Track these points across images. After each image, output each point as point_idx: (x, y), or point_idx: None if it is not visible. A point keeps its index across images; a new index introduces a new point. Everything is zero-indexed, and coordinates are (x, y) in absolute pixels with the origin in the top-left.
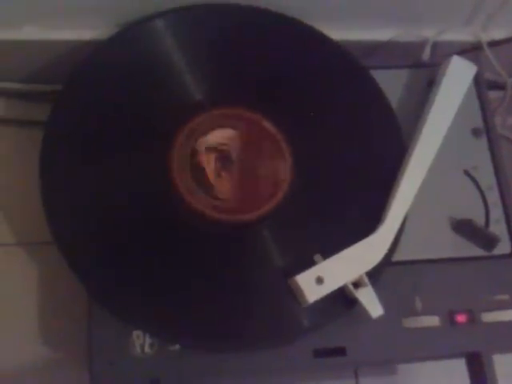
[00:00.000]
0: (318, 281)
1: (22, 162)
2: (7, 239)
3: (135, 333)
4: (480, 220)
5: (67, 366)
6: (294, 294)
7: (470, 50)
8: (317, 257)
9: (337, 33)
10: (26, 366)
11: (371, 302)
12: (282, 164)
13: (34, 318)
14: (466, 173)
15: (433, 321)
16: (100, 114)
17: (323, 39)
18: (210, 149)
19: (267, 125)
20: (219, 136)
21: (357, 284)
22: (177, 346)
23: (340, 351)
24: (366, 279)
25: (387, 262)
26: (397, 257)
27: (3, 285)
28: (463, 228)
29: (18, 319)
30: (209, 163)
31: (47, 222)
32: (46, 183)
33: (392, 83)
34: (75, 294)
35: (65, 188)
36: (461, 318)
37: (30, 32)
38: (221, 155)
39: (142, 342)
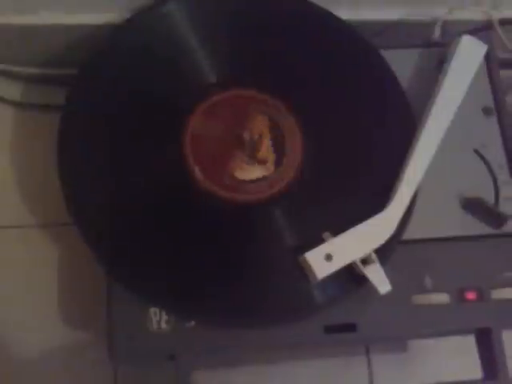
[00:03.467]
0: (327, 258)
1: (41, 145)
2: (27, 221)
3: (152, 309)
4: (490, 198)
5: (86, 343)
6: (304, 271)
7: (481, 29)
8: (326, 235)
9: (346, 12)
10: (46, 344)
11: (379, 279)
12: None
13: (54, 296)
14: (476, 151)
15: (442, 298)
16: (116, 96)
17: (332, 19)
18: None
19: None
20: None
21: (365, 261)
22: (192, 323)
23: (350, 327)
24: (374, 256)
25: (397, 240)
26: (407, 235)
27: (23, 266)
28: (473, 206)
29: (38, 299)
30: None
31: (66, 203)
32: (64, 165)
33: (402, 63)
34: (94, 273)
35: (83, 169)
36: (470, 295)
37: (47, 17)
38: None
39: (158, 319)
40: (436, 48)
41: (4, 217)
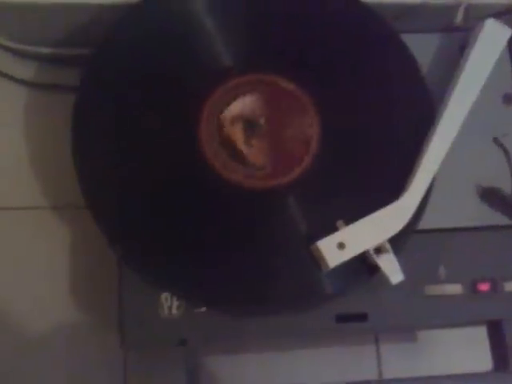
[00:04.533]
0: (340, 246)
1: (54, 126)
2: (39, 203)
3: (163, 295)
4: (507, 188)
5: (96, 327)
6: (316, 259)
7: (505, 13)
8: (339, 223)
9: None
10: (57, 327)
11: (392, 269)
12: (309, 129)
13: (66, 279)
14: (496, 140)
15: (455, 289)
16: (131, 78)
17: (353, 2)
18: (236, 118)
19: (288, 86)
20: (242, 104)
21: (379, 250)
22: (203, 309)
23: (362, 317)
24: (387, 245)
25: (412, 229)
26: (422, 225)
27: (35, 247)
28: (490, 196)
29: (49, 281)
30: (237, 134)
31: (79, 186)
32: (78, 148)
33: (423, 48)
34: (106, 257)
35: (96, 153)
36: (483, 287)
37: None
38: (248, 123)
39: (169, 304)
40: (458, 32)
41: (17, 198)
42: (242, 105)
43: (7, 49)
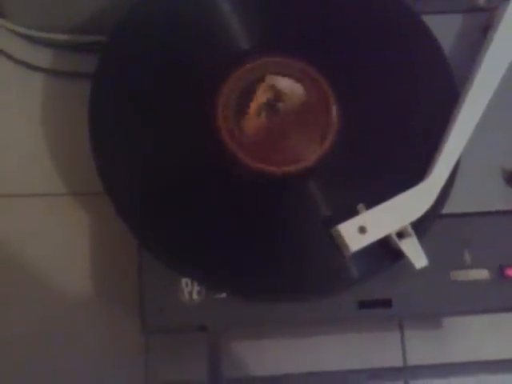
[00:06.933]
0: (361, 230)
1: (72, 113)
2: (58, 190)
3: (184, 280)
4: None
5: (117, 311)
6: (337, 243)
7: None
8: (360, 207)
9: None
10: (77, 312)
11: (415, 253)
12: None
13: (86, 265)
14: None
15: (482, 274)
16: (147, 63)
17: None
18: (272, 88)
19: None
20: (289, 84)
21: (401, 234)
22: (223, 294)
23: (386, 303)
24: (410, 229)
25: (435, 213)
26: (446, 209)
27: (54, 234)
28: None
29: (69, 268)
30: (260, 97)
31: (97, 172)
32: (96, 134)
33: (445, 29)
34: (126, 242)
35: (114, 138)
36: (511, 272)
37: None
38: (273, 98)
39: (190, 290)
40: (481, 13)
41: (35, 185)
42: (290, 84)
43: (24, 36)
